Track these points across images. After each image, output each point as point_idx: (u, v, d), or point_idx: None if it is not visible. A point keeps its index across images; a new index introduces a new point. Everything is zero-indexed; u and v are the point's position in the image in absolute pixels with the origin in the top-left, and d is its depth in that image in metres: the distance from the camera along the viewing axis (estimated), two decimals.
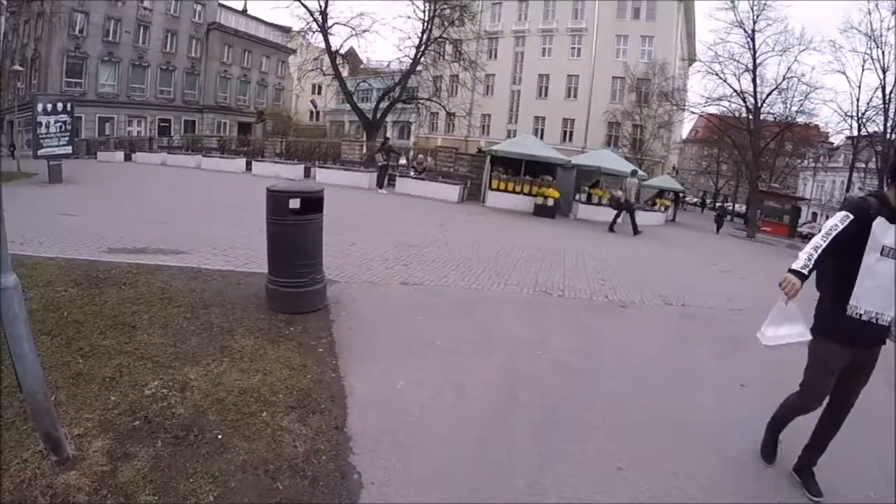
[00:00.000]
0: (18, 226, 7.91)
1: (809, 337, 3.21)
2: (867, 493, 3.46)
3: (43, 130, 16.77)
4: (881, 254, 3.00)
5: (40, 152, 16.76)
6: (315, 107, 59.88)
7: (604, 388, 4.59)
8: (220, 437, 3.14)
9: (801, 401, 3.47)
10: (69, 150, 17.83)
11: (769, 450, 3.70)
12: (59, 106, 17.53)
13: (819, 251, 3.03)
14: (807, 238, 41.06)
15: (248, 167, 26.07)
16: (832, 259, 3.08)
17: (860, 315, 3.08)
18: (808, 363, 3.39)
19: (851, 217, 3.03)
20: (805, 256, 3.06)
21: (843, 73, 34.22)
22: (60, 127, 17.17)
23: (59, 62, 40.47)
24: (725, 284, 10.45)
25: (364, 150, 26.38)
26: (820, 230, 3.15)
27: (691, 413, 4.31)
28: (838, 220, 3.06)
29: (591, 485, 3.16)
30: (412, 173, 22.25)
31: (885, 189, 3.14)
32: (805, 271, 3.01)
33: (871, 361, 3.25)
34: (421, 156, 25.52)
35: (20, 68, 34.08)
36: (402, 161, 23.21)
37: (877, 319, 3.07)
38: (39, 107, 16.99)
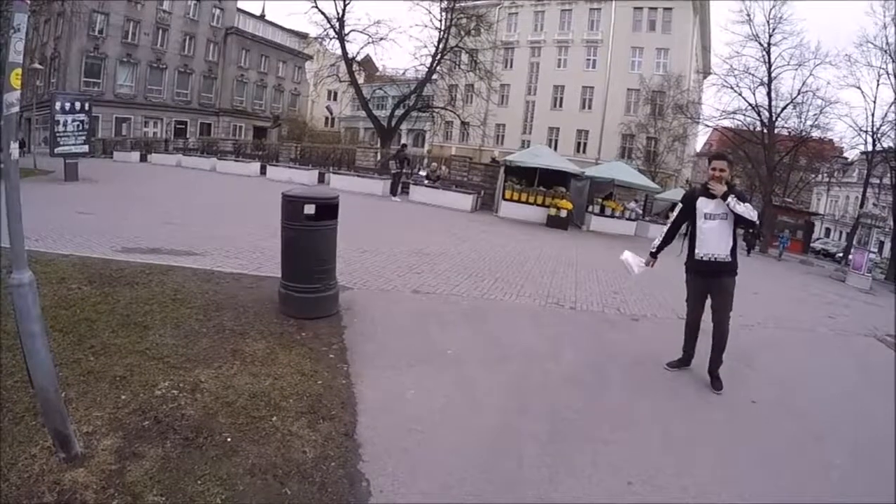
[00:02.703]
0: (34, 222, 7.95)
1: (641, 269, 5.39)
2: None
3: (60, 129, 16.87)
4: (704, 218, 4.88)
5: (57, 150, 16.88)
6: (331, 113, 60.14)
7: (614, 402, 4.55)
8: (229, 439, 3.12)
9: (687, 318, 5.33)
10: (86, 149, 17.95)
11: (686, 359, 5.41)
12: (77, 105, 17.65)
13: (663, 236, 5.26)
14: (819, 254, 40.98)
15: (263, 171, 26.16)
16: (686, 228, 5.11)
17: (702, 257, 4.90)
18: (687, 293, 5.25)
19: (682, 205, 5.13)
20: (657, 241, 5.30)
21: (859, 87, 34.00)
22: (78, 126, 17.29)
23: (78, 62, 40.90)
24: (737, 300, 10.36)
25: (378, 157, 26.44)
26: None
27: (701, 429, 4.27)
28: (676, 212, 5.19)
29: (600, 499, 3.13)
30: (426, 182, 22.26)
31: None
32: (655, 251, 5.31)
33: (723, 287, 4.94)
34: (434, 164, 25.57)
35: (39, 66, 34.33)
36: (423, 172, 23.06)
37: (714, 258, 4.85)
38: (57, 105, 17.10)
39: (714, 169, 4.88)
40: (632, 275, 5.54)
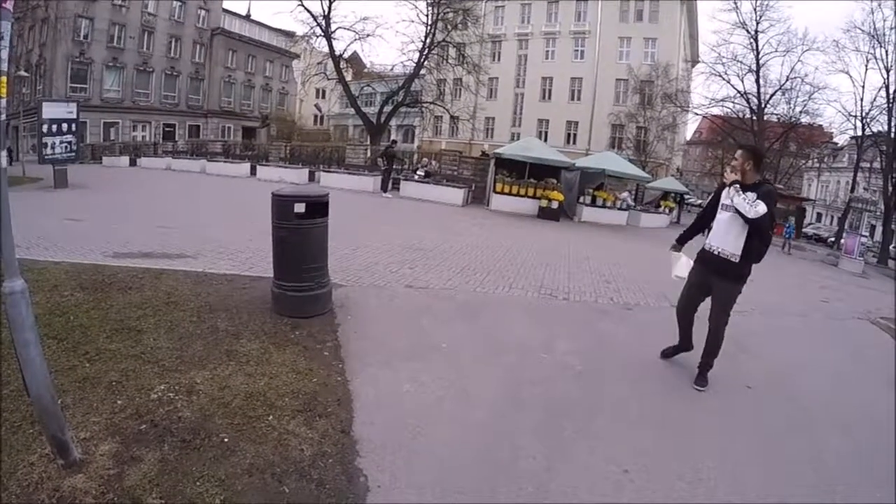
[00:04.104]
0: (25, 230, 7.95)
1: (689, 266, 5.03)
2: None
3: (48, 136, 16.79)
4: (721, 209, 4.69)
5: (45, 157, 16.79)
6: (319, 111, 59.99)
7: (609, 391, 4.58)
8: (226, 440, 3.14)
9: (677, 304, 5.20)
10: (74, 155, 17.87)
11: (681, 346, 5.32)
12: (65, 111, 17.55)
13: (690, 225, 5.21)
14: (812, 239, 41.12)
15: (253, 171, 26.12)
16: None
17: (707, 247, 4.78)
18: None
19: (713, 195, 4.97)
20: (682, 230, 5.20)
21: (847, 72, 34.29)
22: (66, 132, 17.19)
23: (64, 68, 40.64)
24: None
25: (368, 154, 26.42)
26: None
27: (697, 416, 4.31)
28: (707, 200, 5.20)
29: (598, 487, 3.16)
30: (416, 177, 22.24)
31: None
32: (679, 239, 5.15)
33: (722, 289, 4.73)
34: (425, 159, 25.59)
35: (25, 74, 34.12)
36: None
37: (718, 252, 4.65)
38: (45, 112, 17.01)
39: (734, 159, 4.72)
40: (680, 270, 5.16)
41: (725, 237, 4.60)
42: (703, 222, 5.01)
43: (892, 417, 4.61)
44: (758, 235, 4.48)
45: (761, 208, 4.27)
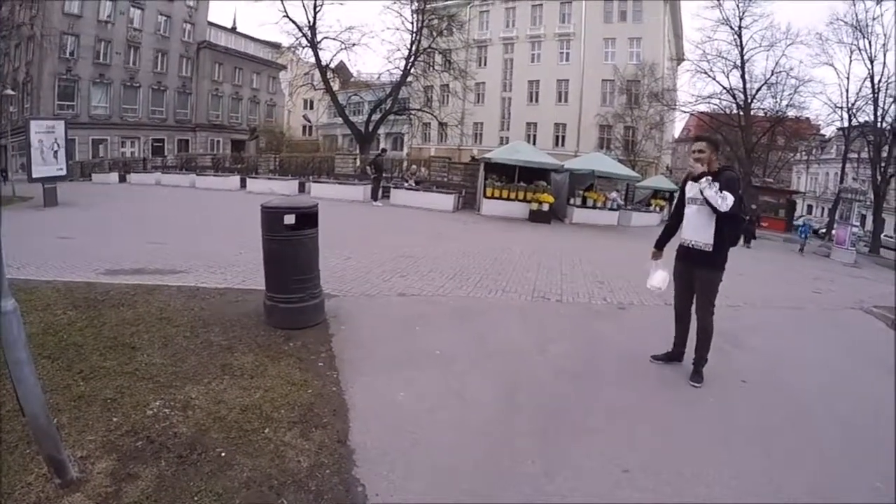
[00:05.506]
0: (15, 250, 7.93)
1: (667, 284, 5.15)
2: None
3: (36, 154, 16.71)
4: (687, 203, 4.82)
5: (34, 176, 16.72)
6: (308, 121, 59.98)
7: (605, 391, 4.59)
8: (223, 454, 3.14)
9: (674, 304, 5.20)
10: (63, 172, 17.78)
11: (675, 353, 5.25)
12: (52, 128, 17.48)
13: (664, 228, 5.29)
14: None
15: (243, 184, 26.06)
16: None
17: (683, 242, 4.90)
18: None
19: (679, 191, 5.09)
20: (658, 235, 5.27)
21: (832, 65, 34.54)
22: (54, 149, 17.11)
23: (51, 85, 40.54)
24: (723, 281, 10.43)
25: (357, 163, 26.46)
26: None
27: (693, 412, 4.33)
28: (677, 198, 5.16)
29: (597, 488, 3.17)
30: (405, 185, 22.28)
31: None
32: (657, 244, 5.24)
33: (701, 279, 4.81)
34: (414, 167, 25.64)
35: (12, 92, 33.93)
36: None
37: (692, 244, 4.78)
38: (33, 130, 16.94)
39: (693, 151, 4.74)
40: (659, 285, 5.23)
41: (696, 229, 4.74)
42: (677, 221, 5.10)
43: (892, 407, 4.64)
44: (729, 222, 4.59)
45: (729, 199, 4.38)
